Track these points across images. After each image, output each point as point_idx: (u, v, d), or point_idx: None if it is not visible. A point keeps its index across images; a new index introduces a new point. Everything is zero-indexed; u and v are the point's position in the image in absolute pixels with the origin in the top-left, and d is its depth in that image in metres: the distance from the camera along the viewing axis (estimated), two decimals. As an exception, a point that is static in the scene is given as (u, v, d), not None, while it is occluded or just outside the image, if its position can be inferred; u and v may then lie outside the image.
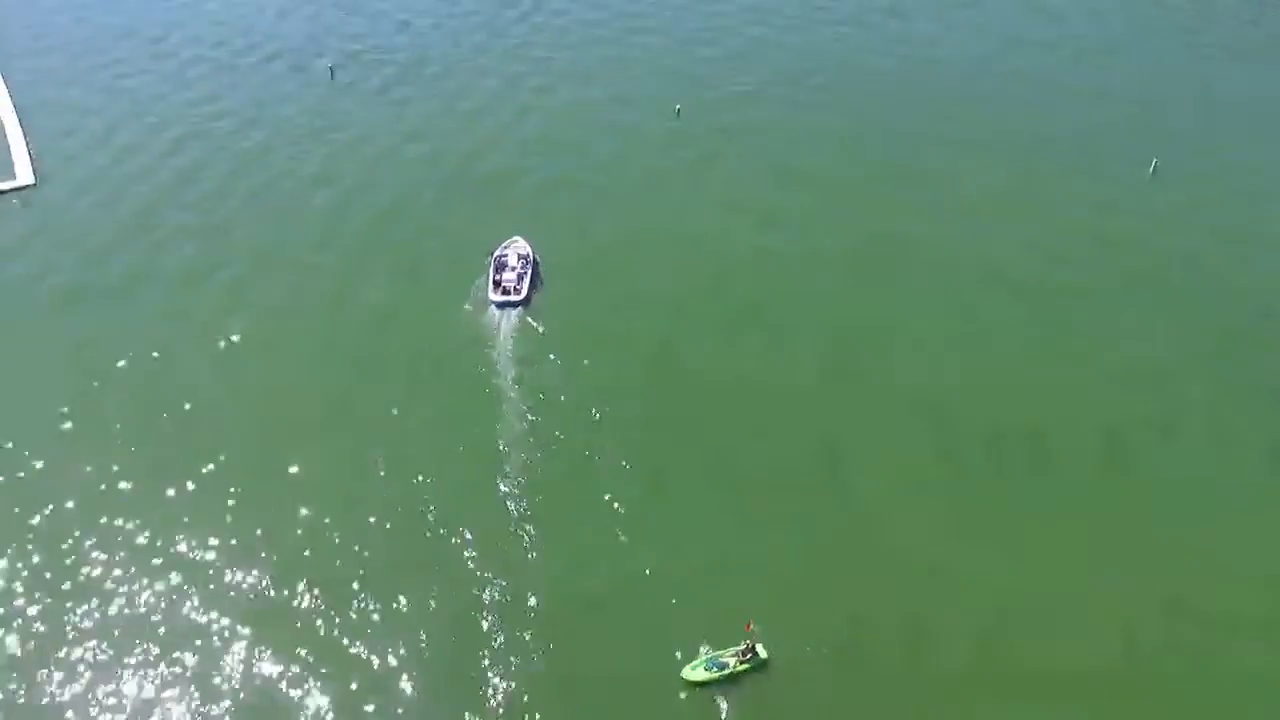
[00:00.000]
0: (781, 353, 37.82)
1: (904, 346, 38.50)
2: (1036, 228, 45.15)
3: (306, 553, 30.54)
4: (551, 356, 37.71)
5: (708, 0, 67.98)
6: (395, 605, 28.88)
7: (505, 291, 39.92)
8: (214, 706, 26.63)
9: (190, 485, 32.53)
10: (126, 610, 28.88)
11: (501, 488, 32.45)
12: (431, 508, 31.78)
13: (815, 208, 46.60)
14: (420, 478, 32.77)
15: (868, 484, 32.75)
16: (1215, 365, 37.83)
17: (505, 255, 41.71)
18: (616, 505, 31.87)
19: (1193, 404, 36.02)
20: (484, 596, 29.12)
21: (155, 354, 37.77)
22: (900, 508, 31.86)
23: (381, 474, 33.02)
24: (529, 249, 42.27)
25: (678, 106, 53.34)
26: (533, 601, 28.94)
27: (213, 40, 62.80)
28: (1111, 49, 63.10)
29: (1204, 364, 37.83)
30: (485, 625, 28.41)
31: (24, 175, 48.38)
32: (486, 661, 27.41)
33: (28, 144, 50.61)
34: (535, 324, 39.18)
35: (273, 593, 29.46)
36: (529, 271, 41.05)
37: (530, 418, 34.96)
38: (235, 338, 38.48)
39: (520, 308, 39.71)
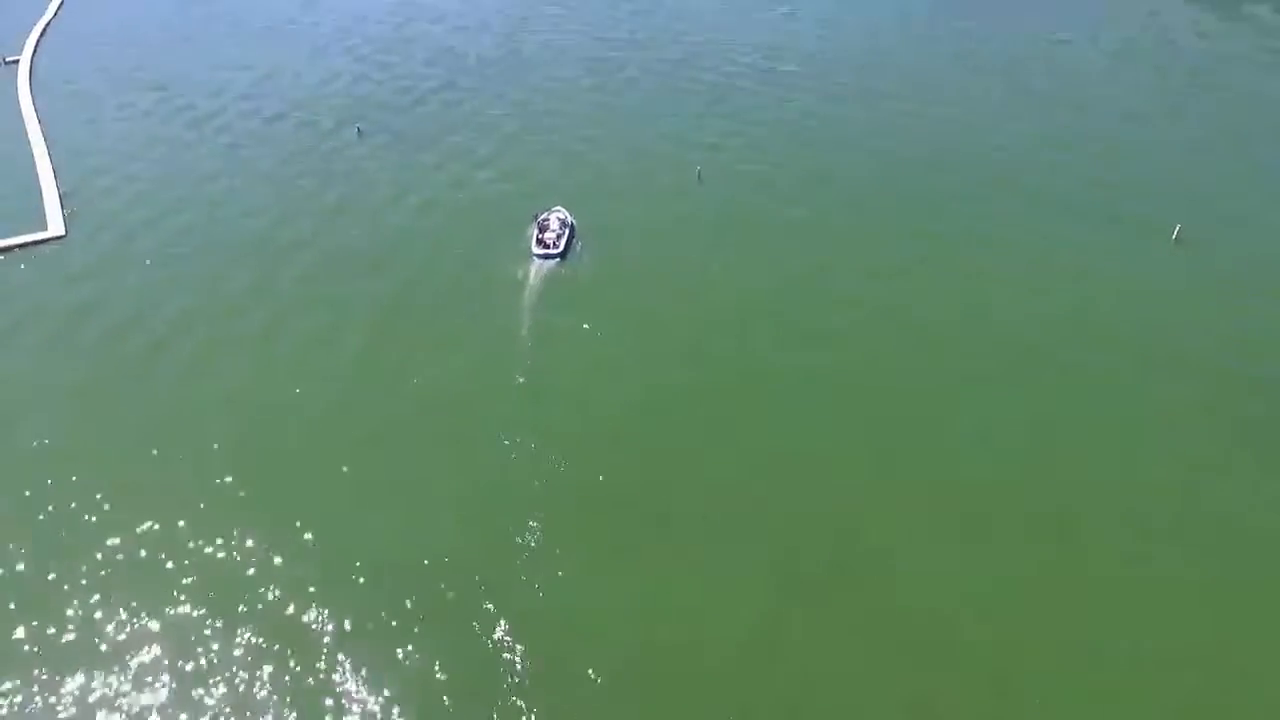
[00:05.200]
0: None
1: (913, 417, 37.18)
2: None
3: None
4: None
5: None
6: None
7: (545, 246, 46.79)
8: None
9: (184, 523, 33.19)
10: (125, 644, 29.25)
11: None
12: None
13: (827, 263, 46.49)
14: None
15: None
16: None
17: (548, 219, 48.53)
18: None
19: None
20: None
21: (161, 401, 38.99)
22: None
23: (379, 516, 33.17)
24: (568, 216, 49.16)
25: (698, 168, 55.50)
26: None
27: (251, 99, 68.11)
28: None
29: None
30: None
31: (55, 226, 51.43)
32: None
33: (60, 196, 54.12)
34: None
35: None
36: (567, 233, 47.76)
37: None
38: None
39: (557, 260, 46.42)
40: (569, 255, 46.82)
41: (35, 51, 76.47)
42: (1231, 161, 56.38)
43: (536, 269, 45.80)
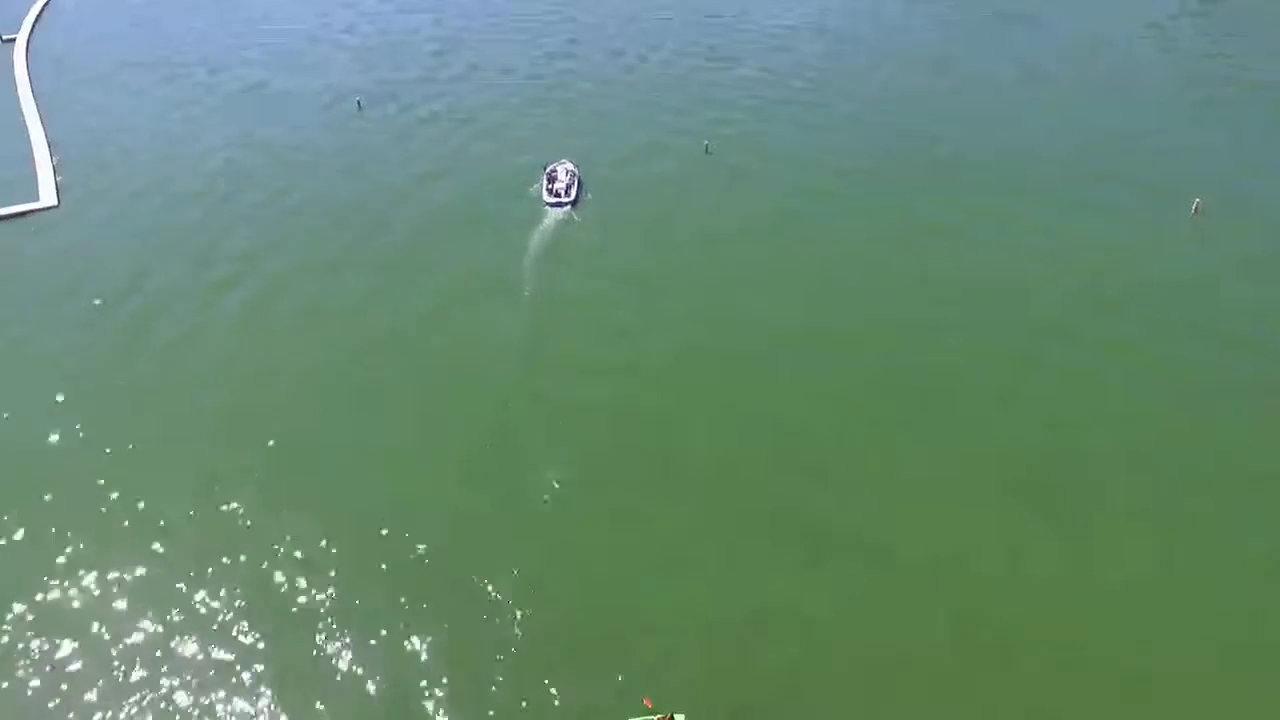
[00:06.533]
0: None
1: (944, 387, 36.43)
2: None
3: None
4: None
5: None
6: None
7: (557, 195, 47.93)
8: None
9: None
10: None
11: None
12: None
13: (833, 233, 46.25)
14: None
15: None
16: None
17: (556, 171, 49.75)
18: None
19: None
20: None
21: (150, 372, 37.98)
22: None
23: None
24: (574, 167, 50.28)
25: (706, 143, 55.38)
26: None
27: (247, 75, 68.23)
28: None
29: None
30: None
31: (47, 197, 50.84)
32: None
33: (54, 167, 53.87)
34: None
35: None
36: (575, 183, 48.93)
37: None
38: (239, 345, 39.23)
39: (569, 207, 47.44)
40: (578, 204, 47.57)
41: (33, 29, 76.40)
42: (1249, 137, 56.26)
43: (549, 216, 46.64)
